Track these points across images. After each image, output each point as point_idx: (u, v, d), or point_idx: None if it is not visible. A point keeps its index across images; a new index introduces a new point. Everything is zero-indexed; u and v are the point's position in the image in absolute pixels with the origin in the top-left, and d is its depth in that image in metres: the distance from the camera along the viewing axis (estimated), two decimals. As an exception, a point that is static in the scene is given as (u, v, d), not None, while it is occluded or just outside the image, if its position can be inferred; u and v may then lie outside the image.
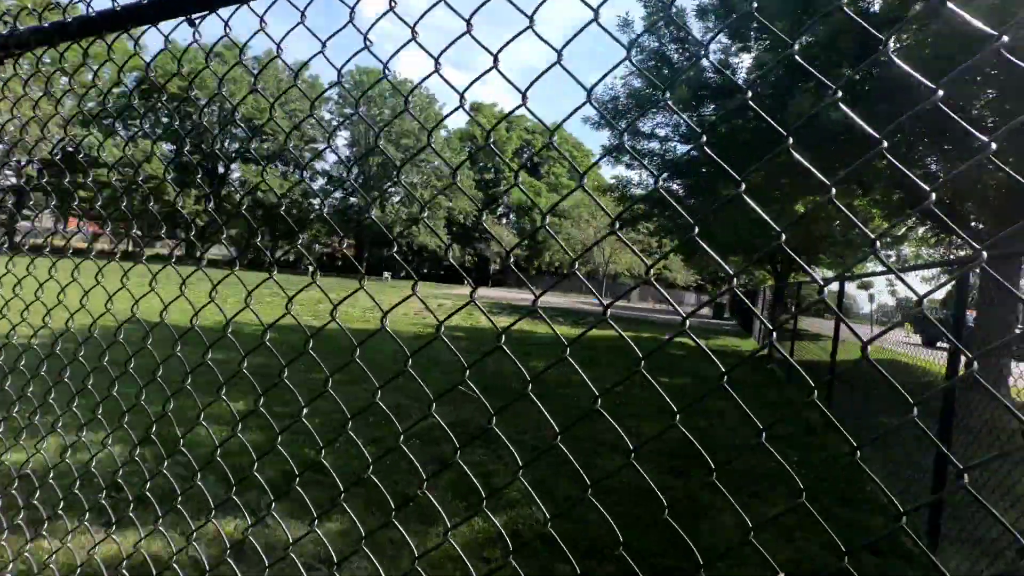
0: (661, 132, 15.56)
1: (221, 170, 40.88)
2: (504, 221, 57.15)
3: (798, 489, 2.94)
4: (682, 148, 15.51)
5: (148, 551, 1.74)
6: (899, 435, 4.26)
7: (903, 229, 12.63)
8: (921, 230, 12.22)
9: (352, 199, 46.60)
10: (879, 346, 6.76)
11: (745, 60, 10.60)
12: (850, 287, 6.77)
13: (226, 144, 41.83)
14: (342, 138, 46.78)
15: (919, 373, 4.76)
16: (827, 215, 11.26)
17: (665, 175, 16.39)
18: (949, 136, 7.13)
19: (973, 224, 8.60)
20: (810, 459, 4.68)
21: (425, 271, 52.53)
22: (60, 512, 1.74)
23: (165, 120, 38.16)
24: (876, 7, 7.57)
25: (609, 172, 59.78)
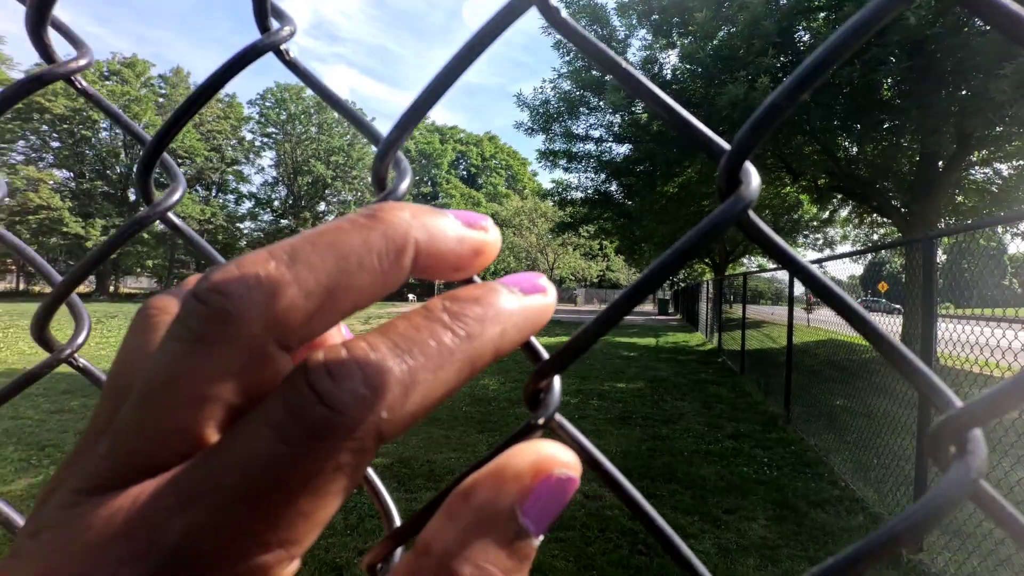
0: (595, 133, 15.56)
1: (132, 197, 38.01)
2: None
3: (775, 499, 2.53)
4: (618, 149, 15.55)
5: None
6: (863, 419, 4.10)
7: (828, 211, 13.15)
8: (844, 212, 12.75)
9: (283, 220, 44.56)
10: (817, 327, 6.78)
11: (671, 56, 10.66)
12: (781, 272, 6.81)
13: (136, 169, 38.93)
14: (267, 158, 44.67)
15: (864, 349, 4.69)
16: (758, 204, 11.55)
17: (603, 177, 16.49)
18: (860, 117, 7.33)
19: (894, 203, 8.94)
20: (777, 457, 4.46)
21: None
22: None
23: (56, 145, 34.86)
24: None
25: (547, 177, 60.46)
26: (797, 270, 0.20)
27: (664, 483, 3.86)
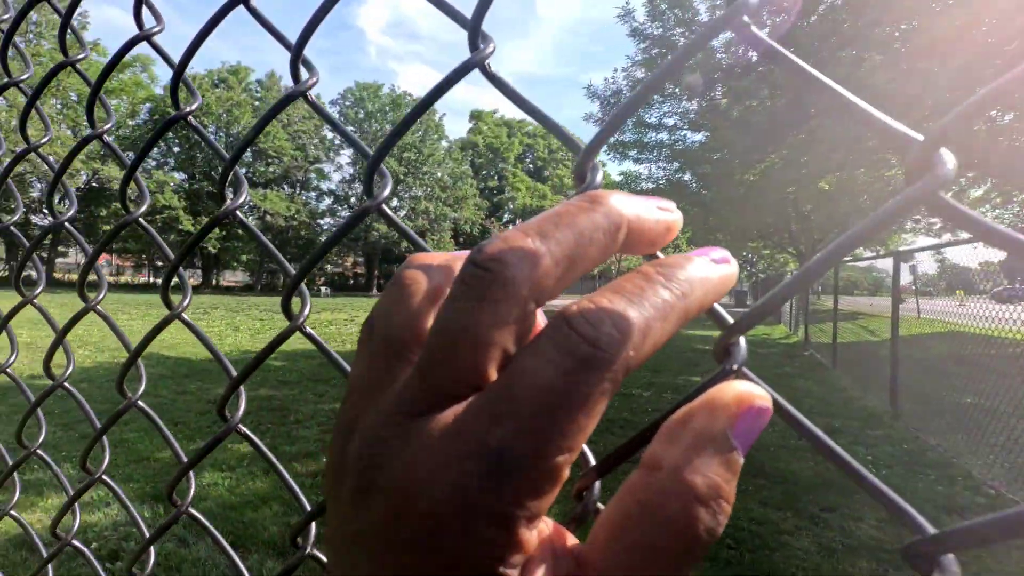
0: (669, 121, 15.06)
1: (230, 196, 41.36)
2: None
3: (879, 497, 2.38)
4: (692, 137, 14.97)
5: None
6: (1013, 420, 3.66)
7: (951, 192, 11.82)
8: (978, 191, 11.16)
9: (359, 216, 46.51)
10: (930, 319, 6.16)
11: (763, 34, 10.07)
12: (884, 261, 6.28)
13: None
14: (346, 156, 46.83)
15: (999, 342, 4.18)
16: (854, 189, 10.69)
17: (676, 166, 15.96)
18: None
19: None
20: (884, 455, 4.17)
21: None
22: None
23: (176, 150, 38.80)
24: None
25: (616, 168, 59.28)
26: (997, 240, 0.20)
27: (750, 477, 3.73)
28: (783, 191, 12.66)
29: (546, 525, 0.19)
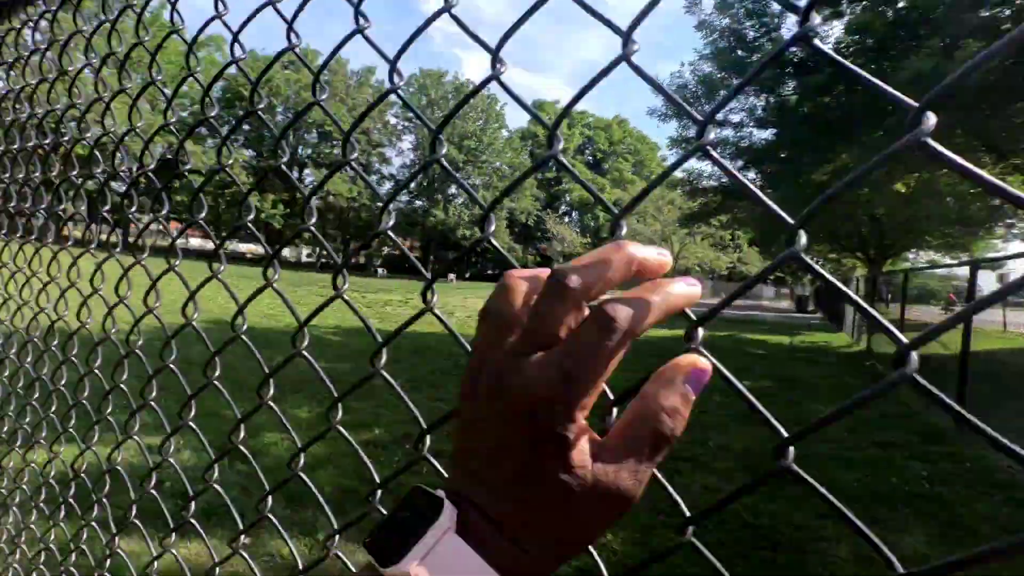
0: (735, 118, 14.52)
1: (295, 175, 43.50)
2: (567, 220, 56.41)
3: (941, 517, 2.27)
4: (759, 134, 14.37)
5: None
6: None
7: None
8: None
9: (417, 202, 47.69)
10: (1016, 331, 5.68)
11: (835, 28, 9.53)
12: (963, 269, 5.84)
13: (299, 150, 44.02)
14: (407, 142, 47.91)
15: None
16: (935, 190, 9.94)
17: (740, 164, 15.39)
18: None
19: None
20: (943, 472, 3.96)
21: (490, 272, 52.85)
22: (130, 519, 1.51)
23: (246, 128, 40.84)
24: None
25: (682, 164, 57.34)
26: (994, 188, 0.27)
27: (792, 484, 3.64)
28: (855, 193, 11.97)
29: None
